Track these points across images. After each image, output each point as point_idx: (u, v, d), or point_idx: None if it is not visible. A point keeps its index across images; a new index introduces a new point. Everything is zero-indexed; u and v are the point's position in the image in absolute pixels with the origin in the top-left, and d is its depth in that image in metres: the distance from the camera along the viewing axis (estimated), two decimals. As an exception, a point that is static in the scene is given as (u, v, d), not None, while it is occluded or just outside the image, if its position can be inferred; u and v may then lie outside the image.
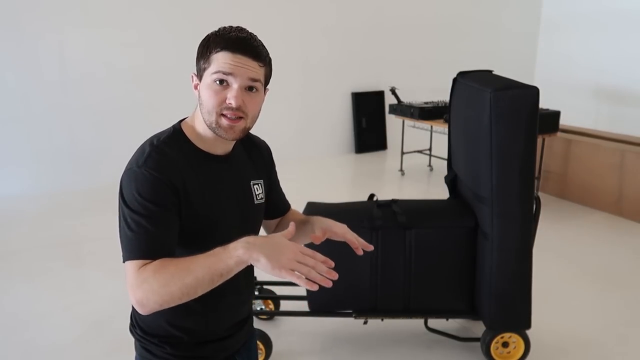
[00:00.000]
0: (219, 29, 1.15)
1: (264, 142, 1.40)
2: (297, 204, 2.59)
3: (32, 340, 2.68)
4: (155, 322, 1.20)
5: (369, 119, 6.87)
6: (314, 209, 2.49)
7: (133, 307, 1.21)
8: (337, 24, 6.48)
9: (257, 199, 1.29)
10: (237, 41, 1.11)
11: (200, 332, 1.23)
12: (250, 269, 1.38)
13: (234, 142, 1.23)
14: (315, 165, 6.04)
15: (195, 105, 1.19)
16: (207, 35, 1.15)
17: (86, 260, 3.63)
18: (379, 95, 6.92)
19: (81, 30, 5.03)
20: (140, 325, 1.23)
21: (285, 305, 2.80)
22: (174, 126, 1.22)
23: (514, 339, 2.40)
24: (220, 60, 1.10)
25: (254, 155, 1.33)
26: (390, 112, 5.84)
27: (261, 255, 0.96)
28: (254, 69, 1.13)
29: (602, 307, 3.03)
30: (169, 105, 5.45)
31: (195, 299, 1.04)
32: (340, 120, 6.80)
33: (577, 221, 4.43)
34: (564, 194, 4.93)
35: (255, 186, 1.30)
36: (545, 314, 2.80)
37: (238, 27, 1.16)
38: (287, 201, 1.47)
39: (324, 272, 1.01)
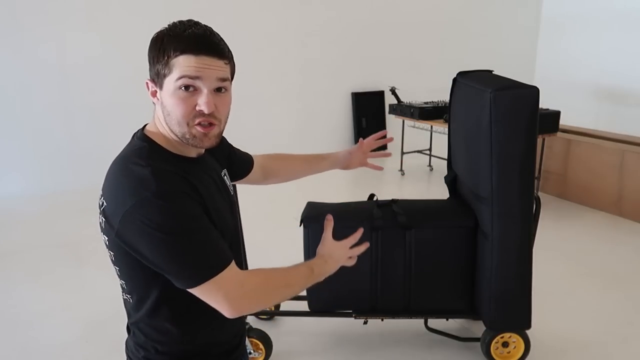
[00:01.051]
0: (170, 26, 1.05)
1: None
2: (298, 204, 2.59)
3: (32, 340, 2.68)
4: (168, 346, 1.14)
5: (369, 119, 6.87)
6: (314, 209, 2.49)
7: (134, 336, 1.16)
8: (337, 23, 6.48)
9: (230, 190, 1.29)
10: (197, 41, 1.01)
11: (211, 342, 1.20)
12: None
13: None
14: (315, 165, 6.03)
15: (153, 112, 1.11)
16: (158, 35, 1.05)
17: (86, 260, 3.62)
18: (379, 95, 6.92)
19: (81, 30, 5.03)
20: (160, 350, 1.15)
21: (285, 305, 2.80)
22: (140, 139, 1.10)
23: (514, 338, 2.40)
24: (183, 64, 1.00)
25: (212, 148, 1.27)
26: (390, 112, 5.84)
27: (333, 269, 1.27)
28: (221, 68, 1.03)
29: (602, 307, 3.03)
30: (169, 105, 5.47)
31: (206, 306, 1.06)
32: (340, 120, 6.79)
33: (577, 221, 4.43)
34: (564, 194, 4.93)
35: (225, 177, 1.29)
36: (545, 314, 2.80)
37: (190, 21, 1.06)
38: (245, 154, 1.53)
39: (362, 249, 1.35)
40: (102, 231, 1.08)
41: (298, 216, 2.42)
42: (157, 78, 1.06)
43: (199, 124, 1.03)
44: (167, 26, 1.06)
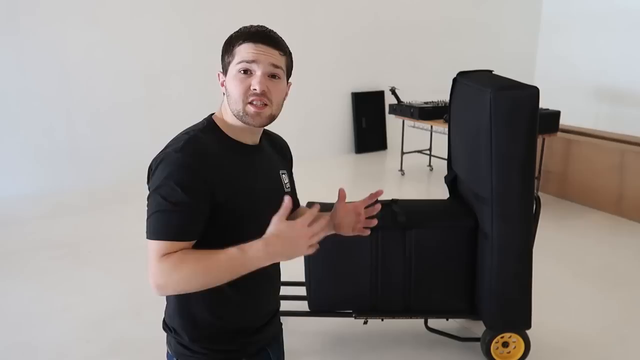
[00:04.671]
0: (241, 27, 1.21)
1: (285, 141, 1.46)
2: (297, 204, 2.59)
3: (32, 340, 2.68)
4: (196, 315, 1.21)
5: (369, 119, 6.87)
6: (314, 209, 2.49)
7: (168, 303, 1.27)
8: (337, 24, 6.48)
9: (286, 188, 1.33)
10: (257, 33, 1.18)
11: (238, 320, 1.25)
12: (278, 263, 1.36)
13: (261, 132, 1.28)
14: (315, 165, 6.03)
15: (222, 100, 1.24)
16: (230, 35, 1.22)
17: (86, 260, 3.62)
18: (379, 95, 6.92)
19: (81, 29, 5.03)
20: (177, 319, 1.24)
21: (285, 305, 2.79)
22: (206, 119, 1.26)
23: (514, 338, 2.40)
24: (243, 50, 1.16)
25: (277, 149, 1.39)
26: (390, 112, 5.84)
27: (283, 256, 1.09)
28: (275, 56, 1.18)
29: (602, 307, 3.03)
30: (168, 105, 5.46)
31: (230, 286, 1.13)
32: (340, 120, 6.79)
33: (577, 221, 4.43)
34: (564, 194, 4.93)
35: (283, 175, 1.35)
36: (545, 314, 2.80)
37: (259, 25, 1.23)
38: (298, 200, 1.49)
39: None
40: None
41: (298, 216, 2.42)
42: (224, 67, 1.21)
43: (252, 102, 1.16)
44: (239, 28, 1.22)
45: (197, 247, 1.15)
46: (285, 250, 1.07)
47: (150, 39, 5.30)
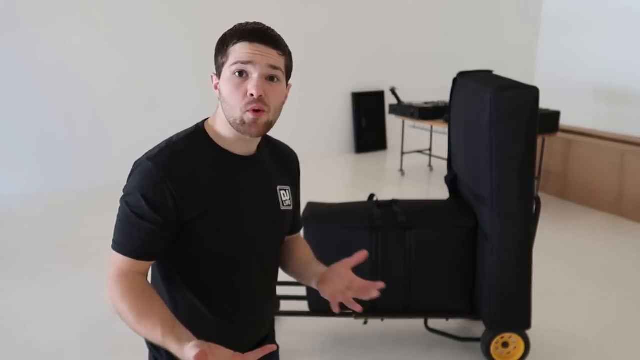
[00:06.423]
0: (235, 25, 1.12)
1: (293, 152, 1.35)
2: (297, 204, 2.59)
3: (32, 340, 2.68)
4: None
5: (369, 119, 6.87)
6: (314, 209, 2.49)
7: None
8: (337, 23, 6.48)
9: (283, 205, 1.23)
10: (253, 31, 1.08)
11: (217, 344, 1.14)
12: (270, 290, 1.32)
13: (257, 142, 1.18)
14: (315, 165, 6.03)
15: (217, 105, 1.15)
16: (224, 33, 1.13)
17: (86, 260, 3.62)
18: (379, 95, 6.92)
19: (81, 30, 5.03)
20: None
21: (285, 305, 2.80)
22: (197, 124, 1.18)
23: (514, 339, 2.40)
24: (239, 51, 1.06)
25: (282, 161, 1.28)
26: (390, 112, 5.84)
27: None
28: (273, 56, 1.08)
29: (602, 307, 3.03)
30: (168, 105, 5.46)
31: (209, 308, 1.14)
32: (340, 120, 6.80)
33: (577, 221, 4.43)
34: (564, 194, 4.93)
35: (282, 192, 1.24)
36: (545, 314, 2.80)
37: (255, 22, 1.14)
38: (300, 222, 1.43)
39: None
40: None
41: (298, 216, 2.42)
42: (218, 68, 1.12)
43: (251, 109, 1.06)
44: (234, 25, 1.14)
45: (174, 261, 1.14)
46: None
47: (151, 38, 5.30)
